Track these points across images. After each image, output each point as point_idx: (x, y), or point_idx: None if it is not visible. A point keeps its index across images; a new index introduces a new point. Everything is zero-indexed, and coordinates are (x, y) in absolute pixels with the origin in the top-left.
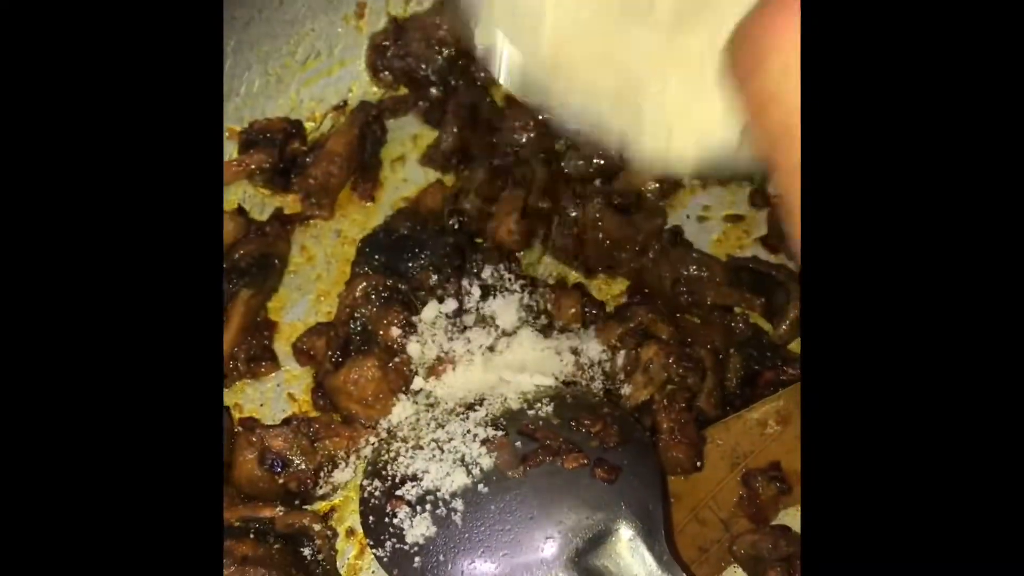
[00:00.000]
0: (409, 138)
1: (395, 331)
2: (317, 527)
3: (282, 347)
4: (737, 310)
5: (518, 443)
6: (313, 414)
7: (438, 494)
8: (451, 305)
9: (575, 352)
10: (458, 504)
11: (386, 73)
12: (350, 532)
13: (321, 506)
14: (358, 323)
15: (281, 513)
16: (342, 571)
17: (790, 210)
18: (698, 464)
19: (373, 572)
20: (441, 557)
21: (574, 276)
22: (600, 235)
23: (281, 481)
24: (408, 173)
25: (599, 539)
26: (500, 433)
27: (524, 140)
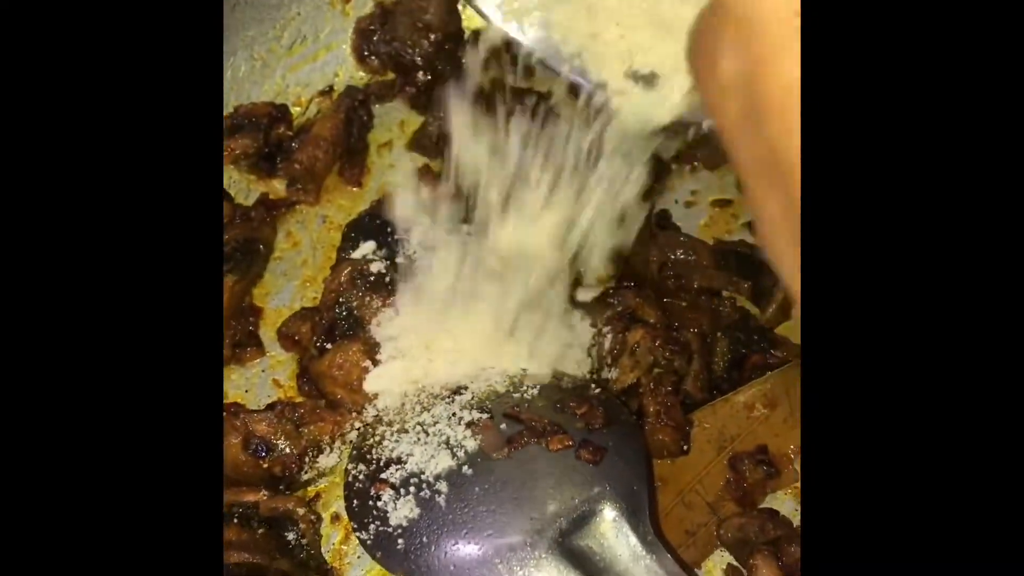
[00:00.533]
0: (396, 123)
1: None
2: (301, 511)
3: (267, 333)
4: (724, 294)
5: (503, 425)
6: (298, 399)
7: (422, 476)
8: None
9: None
10: (442, 486)
11: (372, 58)
12: (335, 518)
13: (306, 491)
14: (343, 308)
15: (265, 498)
16: (327, 556)
17: (750, 206)
18: (684, 448)
19: (359, 557)
20: (425, 539)
21: None
22: None
23: (265, 466)
24: (395, 159)
25: (583, 520)
26: (485, 416)
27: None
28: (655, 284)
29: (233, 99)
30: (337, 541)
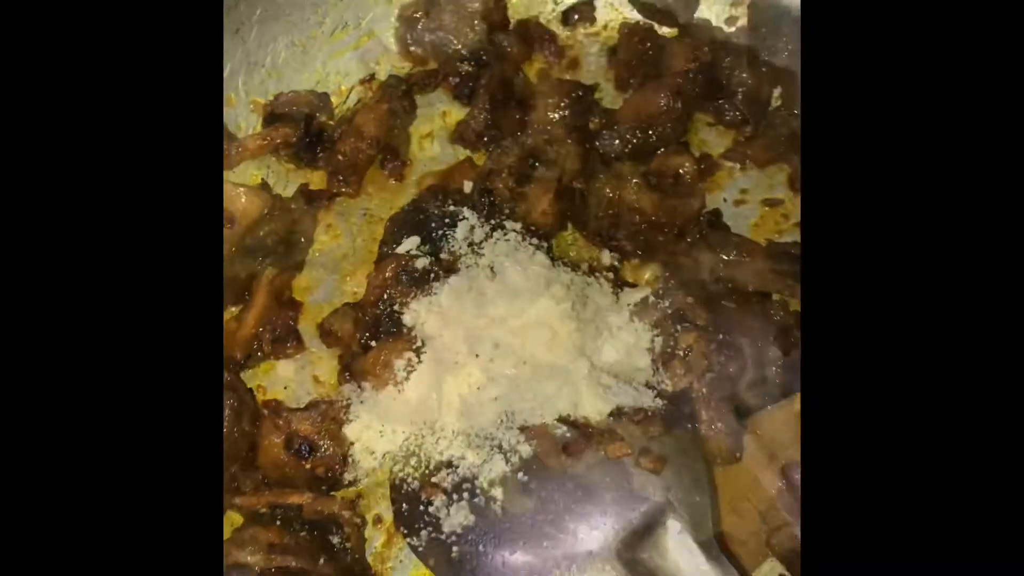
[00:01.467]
0: (438, 114)
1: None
2: (346, 515)
3: (307, 328)
4: (776, 297)
5: (558, 431)
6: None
7: (476, 482)
8: None
9: None
10: (497, 492)
11: (416, 47)
12: (377, 520)
13: (348, 492)
14: (387, 305)
15: (309, 500)
16: (369, 559)
17: None
18: (737, 455)
19: (401, 561)
20: (480, 547)
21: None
22: (637, 217)
23: (308, 466)
24: (437, 151)
25: (645, 531)
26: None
27: (557, 118)
28: (705, 285)
29: (273, 87)
30: (380, 544)
